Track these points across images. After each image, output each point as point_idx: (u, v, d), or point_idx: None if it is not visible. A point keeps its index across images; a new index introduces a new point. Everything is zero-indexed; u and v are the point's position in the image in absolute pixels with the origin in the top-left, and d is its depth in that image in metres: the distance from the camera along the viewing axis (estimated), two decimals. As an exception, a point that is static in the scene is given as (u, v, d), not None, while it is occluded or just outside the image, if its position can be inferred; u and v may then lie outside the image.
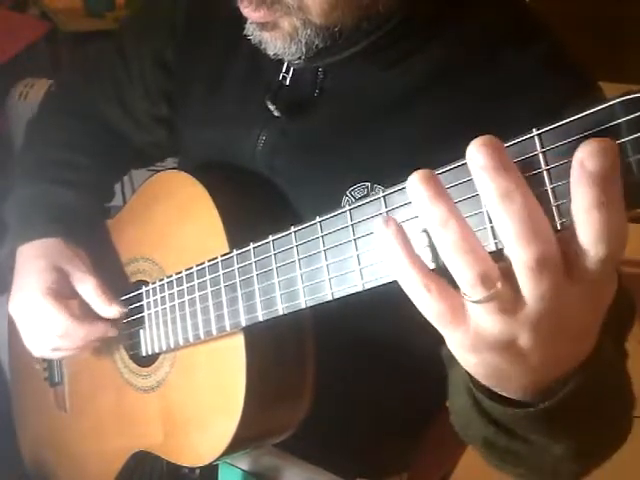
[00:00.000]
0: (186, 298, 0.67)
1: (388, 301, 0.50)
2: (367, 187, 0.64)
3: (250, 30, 0.63)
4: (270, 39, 0.62)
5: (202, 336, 0.65)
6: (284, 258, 0.54)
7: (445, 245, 0.36)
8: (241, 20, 0.63)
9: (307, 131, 0.70)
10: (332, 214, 0.48)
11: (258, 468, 0.78)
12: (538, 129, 0.36)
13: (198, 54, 0.79)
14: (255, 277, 0.57)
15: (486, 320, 0.37)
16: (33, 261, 0.79)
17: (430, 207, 0.36)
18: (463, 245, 0.35)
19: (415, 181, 0.36)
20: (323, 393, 0.68)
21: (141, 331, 0.76)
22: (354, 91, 0.68)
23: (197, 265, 0.65)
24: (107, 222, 0.87)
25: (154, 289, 0.73)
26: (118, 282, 0.80)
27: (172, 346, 0.70)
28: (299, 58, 0.63)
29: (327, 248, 0.49)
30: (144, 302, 0.75)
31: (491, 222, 0.37)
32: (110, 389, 0.82)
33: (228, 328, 0.62)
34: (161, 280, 0.71)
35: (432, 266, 0.39)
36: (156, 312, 0.73)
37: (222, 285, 0.62)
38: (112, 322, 0.77)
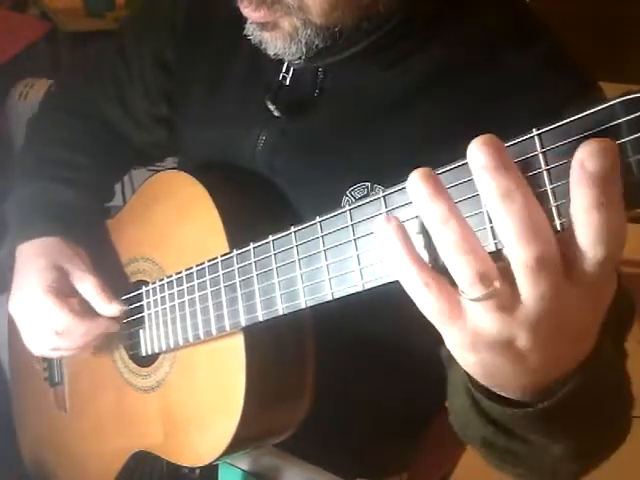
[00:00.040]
0: (186, 298, 0.67)
1: (388, 301, 0.50)
2: (367, 187, 0.64)
3: (250, 30, 0.63)
4: (270, 39, 0.62)
5: (202, 336, 0.65)
6: (284, 258, 0.54)
7: (444, 243, 0.36)
8: (241, 20, 0.63)
9: (307, 131, 0.70)
10: (332, 214, 0.48)
11: (258, 468, 0.78)
12: (538, 129, 0.36)
13: (198, 54, 0.79)
14: (255, 277, 0.57)
15: (484, 319, 0.37)
16: (33, 260, 0.79)
17: (430, 205, 0.36)
18: (462, 243, 0.36)
19: (415, 179, 0.36)
20: (323, 393, 0.68)
21: (141, 331, 0.76)
22: (354, 91, 0.68)
23: (197, 265, 0.65)
24: (107, 222, 0.87)
25: (154, 289, 0.73)
26: (118, 282, 0.80)
27: (172, 346, 0.70)
28: (299, 58, 0.63)
29: (327, 248, 0.49)
30: (144, 302, 0.75)
31: (491, 222, 0.37)
32: (110, 389, 0.82)
33: (228, 328, 0.62)
34: (161, 280, 0.71)
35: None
36: (156, 312, 0.73)
37: (222, 285, 0.62)
38: (112, 320, 0.77)
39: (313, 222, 0.50)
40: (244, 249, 0.59)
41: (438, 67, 0.64)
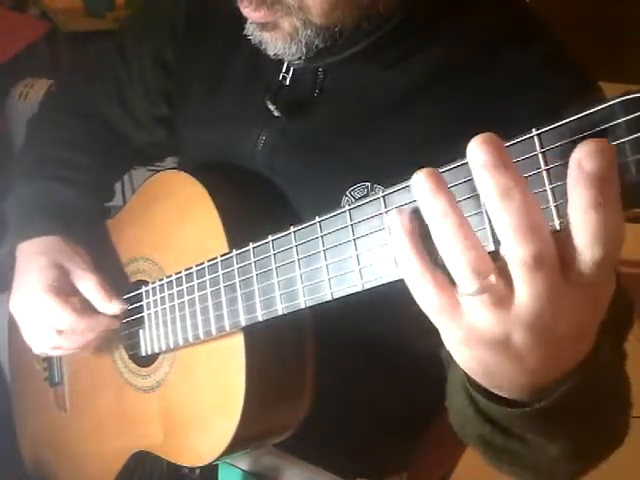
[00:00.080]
0: (186, 298, 0.67)
1: (388, 302, 0.50)
2: (367, 187, 0.64)
3: (250, 30, 0.63)
4: (270, 39, 0.62)
5: (202, 336, 0.65)
6: (284, 258, 0.54)
7: (443, 235, 0.36)
8: (241, 20, 0.63)
9: (307, 131, 0.70)
10: (332, 214, 0.48)
11: (258, 468, 0.78)
12: (538, 129, 0.36)
13: (198, 54, 0.79)
14: (255, 277, 0.57)
15: (479, 314, 0.37)
16: (34, 258, 0.79)
17: (431, 199, 0.36)
18: (459, 236, 0.36)
19: (420, 175, 0.37)
20: (323, 393, 0.68)
21: (141, 331, 0.76)
22: (354, 91, 0.68)
23: (197, 265, 0.65)
24: (107, 222, 0.87)
25: (154, 289, 0.73)
26: (118, 282, 0.80)
27: (172, 346, 0.70)
28: (299, 58, 0.63)
29: (327, 248, 0.49)
30: (144, 302, 0.75)
31: (490, 222, 0.37)
32: (110, 389, 0.82)
33: (228, 328, 0.62)
34: (161, 280, 0.71)
35: None
36: (156, 312, 0.73)
37: (222, 285, 0.62)
38: (113, 318, 0.77)
39: (313, 222, 0.50)
40: (244, 249, 0.59)
41: (438, 67, 0.64)
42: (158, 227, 0.76)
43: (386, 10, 0.60)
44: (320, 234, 0.49)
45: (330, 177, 0.67)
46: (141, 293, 0.76)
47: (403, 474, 0.90)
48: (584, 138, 0.34)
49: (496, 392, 0.46)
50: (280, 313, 0.55)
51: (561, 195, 0.35)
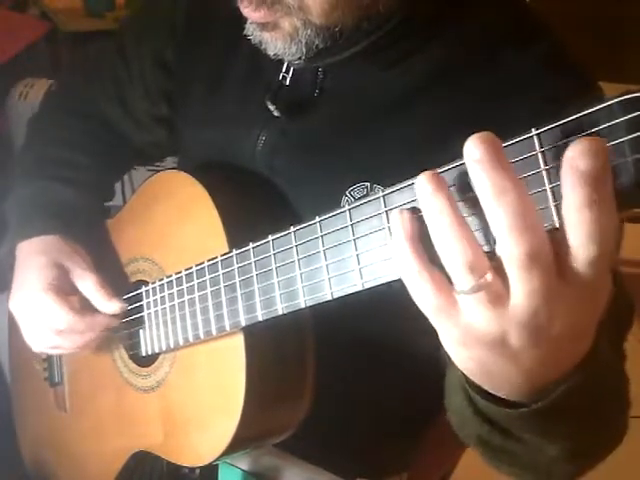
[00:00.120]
0: (186, 298, 0.67)
1: (388, 302, 0.50)
2: (367, 187, 0.64)
3: (250, 30, 0.63)
4: (270, 39, 0.62)
5: (202, 336, 0.65)
6: (283, 258, 0.54)
7: (440, 232, 0.37)
8: (241, 20, 0.63)
9: (307, 131, 0.70)
10: (331, 214, 0.48)
11: (258, 468, 0.78)
12: (537, 129, 0.36)
13: (198, 54, 0.79)
14: (255, 277, 0.57)
15: (476, 312, 0.38)
16: (33, 257, 0.79)
17: (431, 198, 0.37)
18: (457, 234, 0.36)
19: (422, 176, 0.37)
20: (323, 393, 0.68)
21: (141, 331, 0.76)
22: (354, 91, 0.68)
23: (197, 265, 0.65)
24: (107, 222, 0.87)
25: (154, 289, 0.73)
26: (118, 282, 0.80)
27: (172, 346, 0.70)
28: (299, 58, 0.63)
29: (326, 248, 0.49)
30: (144, 302, 0.75)
31: (487, 222, 0.37)
32: (110, 389, 0.82)
33: (228, 328, 0.62)
34: (161, 280, 0.71)
35: None
36: (156, 312, 0.73)
37: (222, 285, 0.62)
38: (112, 317, 0.77)
39: (312, 222, 0.50)
40: (244, 249, 0.59)
41: (438, 67, 0.64)
42: (158, 227, 0.76)
43: (386, 10, 0.60)
44: (320, 234, 0.49)
45: (330, 177, 0.67)
46: (141, 293, 0.76)
47: (403, 474, 0.90)
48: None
49: (494, 393, 0.46)
50: (280, 313, 0.55)
51: (561, 195, 0.35)
